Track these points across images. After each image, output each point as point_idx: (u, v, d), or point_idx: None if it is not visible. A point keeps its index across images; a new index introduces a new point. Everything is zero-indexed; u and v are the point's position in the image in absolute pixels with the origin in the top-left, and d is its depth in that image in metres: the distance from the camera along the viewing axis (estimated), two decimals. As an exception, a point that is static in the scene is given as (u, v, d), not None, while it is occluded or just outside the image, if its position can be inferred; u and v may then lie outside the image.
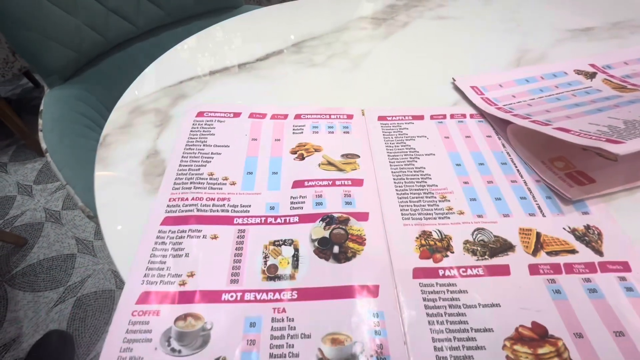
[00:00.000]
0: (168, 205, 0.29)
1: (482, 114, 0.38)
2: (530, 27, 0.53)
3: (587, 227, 0.28)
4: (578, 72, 0.43)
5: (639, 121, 0.31)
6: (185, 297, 0.24)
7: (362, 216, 0.29)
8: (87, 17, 0.71)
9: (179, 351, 0.22)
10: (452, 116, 0.38)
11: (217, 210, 0.29)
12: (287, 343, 0.22)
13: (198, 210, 0.29)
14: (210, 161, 0.33)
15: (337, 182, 0.31)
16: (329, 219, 0.28)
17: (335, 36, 0.52)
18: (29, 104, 1.75)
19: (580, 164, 0.32)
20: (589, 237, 0.28)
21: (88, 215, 0.54)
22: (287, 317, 0.23)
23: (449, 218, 0.29)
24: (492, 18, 0.55)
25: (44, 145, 0.61)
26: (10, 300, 1.09)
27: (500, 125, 0.36)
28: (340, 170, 0.32)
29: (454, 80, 0.42)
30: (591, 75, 0.43)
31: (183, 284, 0.25)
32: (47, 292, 1.12)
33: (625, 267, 0.26)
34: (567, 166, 0.32)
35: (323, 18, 0.56)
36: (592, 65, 0.44)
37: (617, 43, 0.50)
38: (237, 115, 0.37)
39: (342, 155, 0.34)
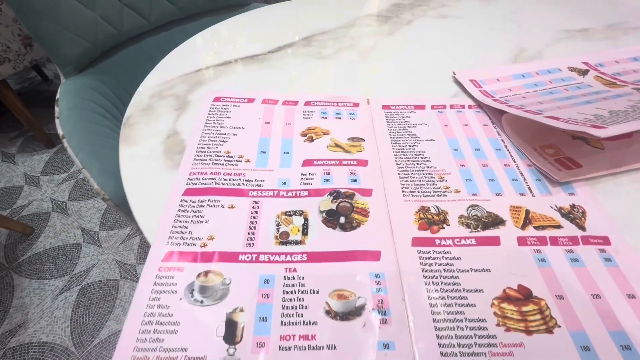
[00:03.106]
0: (189, 179, 0.32)
1: (480, 105, 0.41)
2: (528, 27, 0.56)
3: (573, 206, 0.31)
4: (571, 69, 0.46)
5: (623, 111, 0.33)
6: (206, 257, 0.27)
7: (366, 192, 0.31)
8: (103, 10, 0.74)
9: (201, 302, 0.24)
10: (451, 106, 0.41)
11: (234, 184, 0.32)
12: (297, 297, 0.25)
13: (216, 183, 0.32)
14: (226, 141, 0.35)
15: (344, 162, 0.34)
16: (336, 194, 0.31)
17: (342, 31, 0.54)
18: (37, 97, 1.78)
19: (570, 151, 0.35)
20: (574, 214, 0.30)
21: (103, 198, 0.57)
22: (298, 276, 0.26)
23: (445, 196, 0.32)
24: (492, 18, 0.58)
25: (60, 132, 0.64)
26: (17, 287, 1.12)
27: (496, 115, 0.39)
28: (347, 151, 0.35)
29: (454, 73, 0.45)
30: (584, 72, 0.45)
31: (204, 245, 0.27)
32: (53, 280, 1.15)
33: (605, 241, 0.28)
34: (557, 152, 0.35)
35: (331, 15, 0.58)
36: (585, 63, 0.47)
37: (610, 43, 0.52)
38: (251, 100, 0.40)
39: (349, 139, 0.36)
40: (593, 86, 0.42)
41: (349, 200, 0.30)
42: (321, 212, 0.30)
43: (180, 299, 0.24)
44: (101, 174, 0.57)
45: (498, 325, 0.24)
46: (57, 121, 0.66)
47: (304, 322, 0.23)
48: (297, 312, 0.24)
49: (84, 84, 0.75)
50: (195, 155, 0.34)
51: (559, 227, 0.29)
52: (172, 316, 0.24)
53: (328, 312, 0.24)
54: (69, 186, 1.43)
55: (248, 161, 0.34)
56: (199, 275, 0.26)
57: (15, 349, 0.97)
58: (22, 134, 1.59)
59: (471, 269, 0.27)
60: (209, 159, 0.34)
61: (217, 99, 0.40)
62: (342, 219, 0.29)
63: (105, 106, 0.74)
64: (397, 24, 0.57)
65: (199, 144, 0.35)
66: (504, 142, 0.37)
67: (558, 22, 0.56)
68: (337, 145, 0.35)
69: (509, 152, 0.36)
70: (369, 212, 0.30)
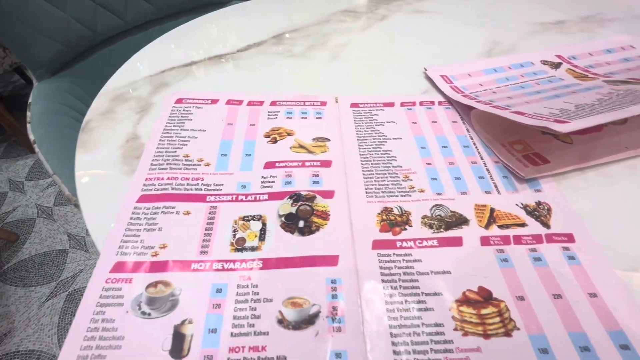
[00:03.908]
0: (144, 184, 0.31)
1: (450, 101, 0.40)
2: (504, 21, 0.55)
3: (538, 203, 0.30)
4: (544, 62, 0.45)
5: (589, 104, 0.33)
6: (157, 267, 0.26)
7: (328, 194, 0.30)
8: (75, 10, 0.72)
9: (149, 314, 0.23)
10: (421, 103, 0.40)
11: (191, 189, 0.31)
12: (250, 306, 0.24)
13: (172, 188, 0.30)
14: (186, 144, 0.34)
15: (307, 164, 0.33)
16: (296, 197, 0.30)
17: (315, 29, 0.53)
18: (20, 100, 1.75)
19: (538, 146, 0.34)
20: (539, 212, 0.30)
21: (75, 204, 0.55)
22: (252, 284, 0.25)
23: (410, 196, 0.31)
24: (468, 12, 0.57)
25: (32, 137, 0.62)
26: (2, 295, 1.10)
27: (466, 111, 0.38)
28: (311, 152, 0.34)
29: (426, 70, 0.44)
30: (556, 66, 0.45)
31: (155, 254, 0.26)
32: (39, 287, 1.13)
33: (569, 238, 0.28)
34: (526, 148, 0.34)
35: (306, 11, 0.57)
36: (559, 56, 0.46)
37: (585, 36, 0.52)
38: (214, 101, 0.39)
39: (314, 139, 0.35)
40: (564, 79, 0.42)
41: (309, 203, 0.30)
42: (280, 216, 0.29)
43: (127, 312, 0.23)
44: (73, 180, 0.55)
45: (456, 329, 0.23)
46: (28, 126, 0.65)
47: (255, 333, 0.23)
48: (248, 322, 0.23)
49: (58, 87, 0.73)
50: (153, 160, 0.33)
51: (523, 225, 0.29)
52: (117, 330, 0.23)
53: (281, 322, 0.23)
54: (55, 191, 1.41)
55: (208, 165, 0.33)
56: (148, 287, 0.25)
57: (2, 358, 0.96)
58: (6, 139, 1.56)
59: (431, 272, 0.26)
60: (167, 164, 0.32)
61: (179, 101, 0.39)
62: (301, 223, 0.28)
63: (80, 109, 0.73)
64: (371, 19, 0.56)
65: (157, 148, 0.34)
66: (472, 139, 0.36)
67: (533, 15, 0.56)
68: (300, 146, 0.34)
69: (477, 149, 0.35)
70: (329, 215, 0.29)
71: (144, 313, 0.23)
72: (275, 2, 0.60)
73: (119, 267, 0.26)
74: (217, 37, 0.52)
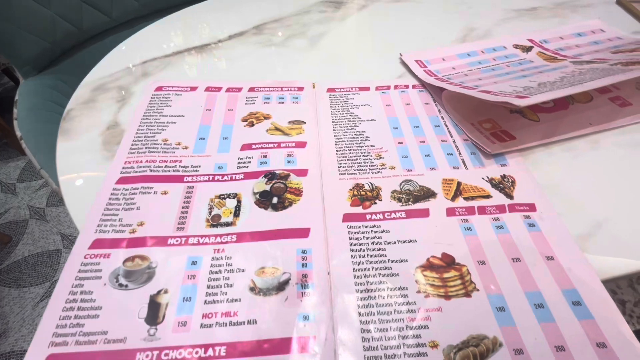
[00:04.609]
0: (123, 167, 0.32)
1: (423, 84, 0.41)
2: (480, 8, 0.56)
3: (503, 176, 0.31)
4: (516, 46, 0.47)
5: (551, 82, 0.34)
6: (134, 243, 0.27)
7: (302, 172, 0.31)
8: (60, 8, 0.72)
9: (126, 286, 0.24)
10: (395, 87, 0.41)
11: (169, 171, 0.32)
12: (223, 276, 0.25)
13: (151, 170, 0.31)
14: (165, 129, 0.35)
15: (282, 145, 0.34)
16: (271, 175, 0.31)
17: (295, 19, 0.54)
18: (9, 102, 1.73)
19: (506, 124, 0.36)
20: (504, 184, 0.31)
21: (62, 197, 0.56)
22: (226, 256, 0.26)
23: (381, 172, 0.32)
24: (446, 1, 0.58)
25: (18, 133, 0.63)
26: (-5, 296, 1.10)
27: (438, 93, 0.39)
28: (287, 134, 0.35)
29: (401, 55, 0.45)
30: (527, 49, 0.46)
31: (133, 232, 0.27)
32: (33, 287, 1.13)
33: (531, 207, 0.29)
34: (494, 127, 0.36)
35: (288, 2, 0.58)
36: (530, 40, 0.47)
37: (558, 21, 0.53)
38: (193, 89, 0.40)
39: (289, 122, 0.36)
40: (534, 62, 0.43)
41: (283, 181, 0.31)
42: (254, 193, 0.30)
43: (105, 284, 0.24)
44: (59, 173, 0.56)
45: (419, 292, 0.24)
46: (15, 123, 0.65)
47: (227, 300, 0.24)
48: (221, 291, 0.24)
49: (44, 84, 0.74)
50: (132, 145, 0.34)
51: (488, 197, 0.30)
52: (95, 301, 0.24)
53: (252, 289, 0.24)
54: (47, 192, 1.41)
55: (186, 148, 0.34)
56: (125, 261, 0.26)
57: (-5, 358, 0.96)
58: (-4, 141, 1.55)
59: (398, 241, 0.27)
60: (146, 147, 0.33)
61: (158, 89, 0.40)
62: (274, 200, 0.29)
63: (66, 105, 0.73)
64: (351, 9, 0.57)
65: (136, 133, 0.35)
66: (443, 119, 0.37)
67: (509, 2, 0.57)
68: (276, 129, 0.35)
69: (447, 128, 0.36)
70: (302, 192, 0.30)
71: (121, 285, 0.24)
72: None
73: (97, 244, 0.26)
74: (199, 29, 0.52)
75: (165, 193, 0.30)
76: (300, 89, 0.40)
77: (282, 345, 0.21)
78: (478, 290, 0.24)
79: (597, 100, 0.38)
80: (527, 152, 0.34)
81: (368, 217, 0.29)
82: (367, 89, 0.41)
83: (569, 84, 0.33)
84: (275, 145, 0.34)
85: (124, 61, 0.46)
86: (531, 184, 0.31)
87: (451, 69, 0.43)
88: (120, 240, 0.27)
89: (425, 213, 0.29)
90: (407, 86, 0.41)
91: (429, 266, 0.26)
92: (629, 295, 0.91)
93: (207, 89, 0.40)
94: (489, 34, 0.50)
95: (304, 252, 0.26)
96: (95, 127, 0.36)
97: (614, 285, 0.94)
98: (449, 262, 0.26)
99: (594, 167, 0.33)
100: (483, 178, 0.31)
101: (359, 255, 0.26)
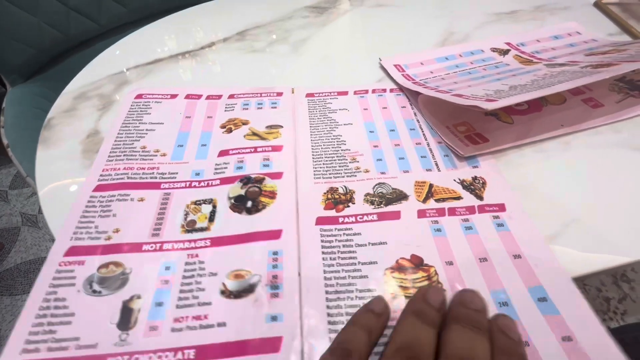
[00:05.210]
0: (101, 175, 0.32)
1: (401, 88, 0.42)
2: (461, 12, 0.57)
3: (475, 178, 0.32)
4: (494, 49, 0.48)
5: (522, 85, 0.35)
6: (110, 249, 0.27)
7: (277, 175, 0.32)
8: (46, 15, 0.72)
9: (100, 292, 0.25)
10: (373, 91, 0.42)
11: (146, 178, 0.32)
12: (195, 280, 0.25)
13: (128, 178, 0.32)
14: (144, 137, 0.36)
15: (259, 149, 0.34)
16: (246, 180, 0.32)
17: (278, 24, 0.55)
18: None
19: (481, 127, 0.37)
20: (475, 185, 0.32)
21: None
22: (199, 261, 0.26)
23: (355, 176, 0.33)
24: (428, 4, 0.59)
25: (5, 141, 0.63)
26: (-13, 304, 1.10)
27: (415, 97, 0.40)
28: (263, 139, 0.36)
29: (380, 60, 0.46)
30: (504, 52, 0.47)
31: (108, 238, 0.28)
32: (25, 295, 1.13)
33: (501, 208, 0.30)
34: (468, 129, 0.36)
35: (269, 8, 0.59)
36: (508, 44, 0.48)
37: (536, 24, 0.54)
38: (174, 96, 0.41)
39: (267, 127, 0.37)
40: (510, 64, 0.44)
41: (258, 185, 0.31)
42: (230, 198, 0.30)
43: (79, 291, 0.25)
44: (46, 180, 0.56)
45: (387, 294, 0.25)
46: (2, 131, 0.65)
47: (198, 304, 0.24)
48: (193, 295, 0.25)
49: (32, 92, 0.74)
50: (110, 152, 0.34)
51: (459, 198, 0.31)
52: (68, 308, 0.24)
53: (223, 292, 0.25)
54: (39, 199, 1.40)
55: (164, 155, 0.34)
56: (99, 267, 0.26)
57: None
58: (-13, 149, 1.55)
59: (369, 243, 0.28)
60: (124, 155, 0.34)
61: (139, 96, 0.40)
62: (249, 203, 0.30)
63: (53, 114, 0.73)
64: (333, 14, 0.58)
65: (114, 141, 0.35)
66: (418, 122, 0.38)
67: (490, 5, 0.58)
68: (254, 134, 0.36)
69: (422, 132, 0.37)
70: (276, 194, 0.30)
71: (94, 291, 0.25)
72: (242, 1, 0.61)
73: (72, 251, 0.27)
74: (181, 36, 0.53)
75: (141, 200, 0.30)
76: (280, 94, 0.41)
77: (250, 346, 0.22)
78: (445, 290, 0.25)
79: (570, 102, 0.39)
80: (499, 154, 0.35)
81: (341, 220, 0.29)
82: (346, 93, 0.42)
83: (539, 86, 0.33)
84: (252, 150, 0.34)
85: (106, 69, 0.46)
86: (501, 185, 0.31)
87: (429, 72, 0.44)
88: (96, 247, 0.27)
89: (396, 215, 0.29)
90: (384, 90, 0.42)
91: (397, 268, 0.26)
92: (614, 292, 0.92)
93: (187, 97, 0.41)
94: (468, 37, 0.51)
95: (275, 253, 0.26)
96: (76, 135, 0.37)
97: (598, 283, 0.94)
98: (417, 263, 0.26)
99: (564, 167, 0.33)
100: (455, 180, 0.32)
101: (330, 258, 0.27)
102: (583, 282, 0.92)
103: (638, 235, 0.28)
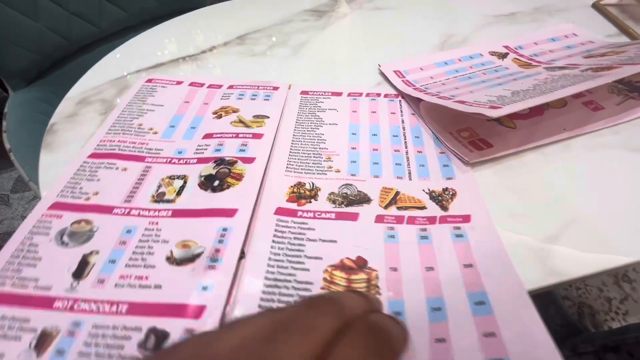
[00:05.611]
0: (98, 145, 0.36)
1: (402, 95, 0.42)
2: (459, 14, 0.56)
3: (445, 189, 0.31)
4: (492, 53, 0.46)
5: (524, 90, 0.34)
6: (85, 208, 0.30)
7: (249, 160, 0.33)
8: (48, 20, 0.71)
9: (67, 244, 0.28)
10: (367, 94, 0.42)
11: (134, 151, 0.35)
12: (148, 245, 0.27)
13: (120, 149, 0.35)
14: (143, 115, 0.39)
15: (240, 135, 0.36)
16: (220, 161, 0.33)
17: (278, 28, 0.56)
18: (1, 112, 1.84)
19: (484, 132, 0.35)
20: (443, 197, 0.31)
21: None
22: (157, 228, 0.28)
23: (325, 174, 0.33)
24: (426, 7, 0.58)
25: (7, 146, 0.62)
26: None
27: (417, 104, 0.40)
28: (248, 127, 0.37)
29: (380, 66, 0.46)
30: (503, 56, 0.45)
31: (87, 199, 0.31)
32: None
33: (465, 219, 0.28)
34: (472, 135, 0.35)
35: (269, 12, 0.60)
36: (506, 47, 0.47)
37: (535, 26, 0.52)
38: (179, 83, 0.44)
39: (254, 116, 0.39)
40: (509, 68, 0.43)
41: (229, 167, 0.33)
42: (201, 176, 0.32)
43: (50, 240, 0.28)
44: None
45: (322, 288, 0.25)
46: (4, 135, 0.64)
47: (144, 266, 0.26)
48: (142, 257, 0.26)
49: (34, 96, 0.72)
50: (111, 126, 0.38)
51: (422, 208, 0.30)
52: (37, 253, 0.27)
53: (169, 259, 0.26)
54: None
55: (155, 133, 0.37)
56: (73, 223, 0.29)
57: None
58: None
59: (319, 239, 0.28)
60: (121, 129, 0.37)
61: (149, 81, 0.44)
62: (216, 182, 0.32)
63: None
64: (332, 17, 0.58)
65: (118, 117, 0.39)
66: (403, 130, 0.37)
67: (489, 7, 0.56)
68: (240, 121, 0.38)
69: (405, 139, 0.36)
70: (243, 177, 0.32)
71: (63, 242, 0.28)
72: (238, 5, 0.63)
73: (55, 206, 0.30)
74: (183, 40, 0.55)
75: (125, 169, 0.33)
76: (275, 88, 0.43)
77: (176, 309, 0.23)
78: (380, 294, 0.24)
79: (571, 105, 0.37)
80: (498, 159, 0.33)
81: (299, 214, 0.30)
82: (340, 94, 0.42)
83: (541, 92, 0.32)
84: (234, 135, 0.36)
85: (107, 74, 0.47)
86: (473, 197, 0.30)
87: (429, 78, 0.43)
88: (76, 205, 0.30)
89: (354, 217, 0.29)
90: (379, 94, 0.42)
91: (340, 266, 0.26)
92: (615, 292, 0.87)
93: (191, 84, 0.44)
94: (466, 41, 0.50)
95: (224, 230, 0.28)
96: (78, 140, 0.38)
97: (599, 283, 0.89)
98: (360, 265, 0.26)
99: (565, 168, 0.32)
100: (424, 190, 0.31)
101: (279, 247, 0.27)
102: (584, 283, 0.88)
103: (638, 235, 0.27)
